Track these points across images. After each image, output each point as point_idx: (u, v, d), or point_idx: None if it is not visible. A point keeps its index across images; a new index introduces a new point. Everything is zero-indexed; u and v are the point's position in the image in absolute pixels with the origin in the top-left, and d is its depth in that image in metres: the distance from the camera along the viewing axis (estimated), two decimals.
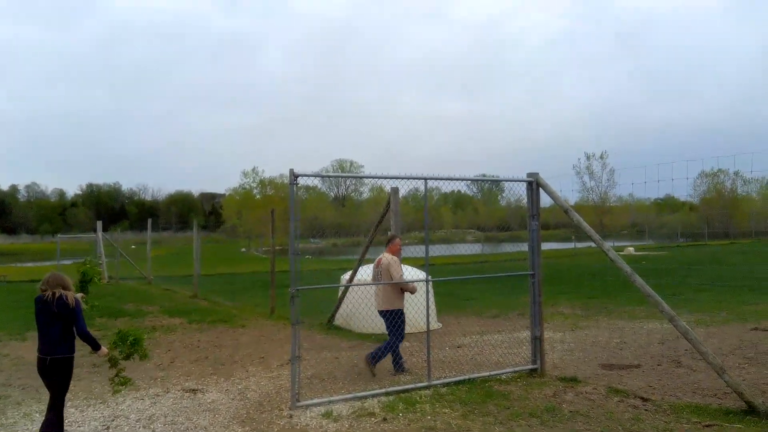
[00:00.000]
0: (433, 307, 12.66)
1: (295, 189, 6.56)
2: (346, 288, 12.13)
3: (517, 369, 8.05)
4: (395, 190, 10.88)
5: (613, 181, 65.97)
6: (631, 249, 46.56)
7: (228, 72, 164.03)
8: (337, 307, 12.58)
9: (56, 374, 5.02)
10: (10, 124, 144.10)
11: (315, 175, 6.65)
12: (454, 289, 19.03)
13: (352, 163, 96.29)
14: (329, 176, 7.14)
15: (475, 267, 30.05)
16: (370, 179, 6.97)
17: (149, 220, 23.09)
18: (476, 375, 7.71)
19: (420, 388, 7.25)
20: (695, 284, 19.77)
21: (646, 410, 6.39)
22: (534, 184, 8.00)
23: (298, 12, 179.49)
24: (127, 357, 5.64)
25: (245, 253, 58.95)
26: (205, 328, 12.78)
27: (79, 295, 5.30)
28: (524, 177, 8.08)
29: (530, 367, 8.07)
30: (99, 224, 27.98)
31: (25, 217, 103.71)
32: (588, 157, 67.36)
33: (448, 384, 7.43)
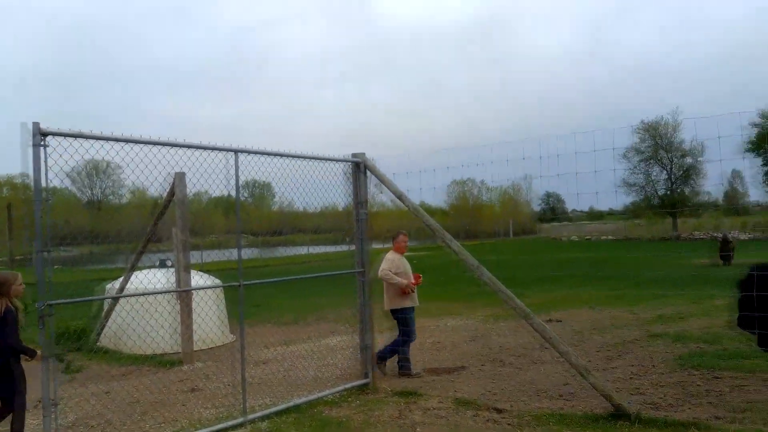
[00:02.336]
0: (224, 316, 10.78)
1: (43, 154, 4.39)
2: (115, 301, 9.70)
3: (347, 386, 6.70)
4: (181, 176, 8.86)
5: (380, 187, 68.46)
6: None
7: None
8: (104, 324, 10.05)
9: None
10: None
11: (73, 135, 4.46)
12: (234, 295, 17.05)
13: (108, 163, 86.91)
14: (91, 137, 4.98)
15: (256, 271, 28.18)
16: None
17: None
18: (301, 400, 6.18)
19: (233, 428, 5.50)
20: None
21: (509, 424, 5.48)
22: (362, 166, 6.75)
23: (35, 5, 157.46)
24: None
25: None
26: None
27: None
28: (348, 157, 6.79)
29: (361, 382, 6.78)
30: None
31: None
32: None
33: (268, 416, 5.79)
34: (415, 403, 6.20)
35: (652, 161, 53.86)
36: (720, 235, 28.69)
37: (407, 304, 7.58)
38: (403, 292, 7.51)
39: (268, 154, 5.93)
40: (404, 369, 7.58)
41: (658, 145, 52.47)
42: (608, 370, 7.97)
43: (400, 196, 6.49)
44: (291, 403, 6.05)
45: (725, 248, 23.52)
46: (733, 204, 62.83)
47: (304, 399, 6.17)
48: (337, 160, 6.65)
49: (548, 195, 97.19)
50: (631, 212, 56.62)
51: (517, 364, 8.05)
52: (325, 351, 8.63)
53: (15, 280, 4.97)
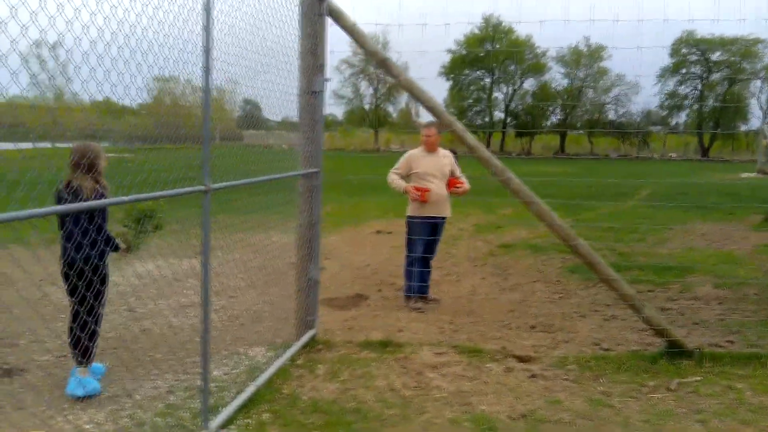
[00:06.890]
0: None
1: None
2: None
3: (298, 345, 4.45)
4: None
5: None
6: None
7: None
8: None
9: None
10: None
11: None
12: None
13: None
14: None
15: None
16: None
17: None
18: (261, 379, 3.80)
19: None
20: None
21: (566, 379, 4.11)
22: (324, 6, 4.30)
23: None
24: None
25: None
26: None
27: None
28: None
29: (308, 334, 4.60)
30: None
31: None
32: None
33: (235, 417, 3.37)
34: (407, 358, 4.38)
35: (361, 76, 55.76)
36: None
37: (415, 212, 5.88)
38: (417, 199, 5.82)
39: None
40: (407, 294, 6.12)
41: (369, 60, 54.29)
42: (517, 289, 7.14)
43: (383, 62, 4.30)
44: (253, 387, 3.66)
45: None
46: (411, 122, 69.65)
47: (264, 377, 3.82)
48: None
49: (246, 102, 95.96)
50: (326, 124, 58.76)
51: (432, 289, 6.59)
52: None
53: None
